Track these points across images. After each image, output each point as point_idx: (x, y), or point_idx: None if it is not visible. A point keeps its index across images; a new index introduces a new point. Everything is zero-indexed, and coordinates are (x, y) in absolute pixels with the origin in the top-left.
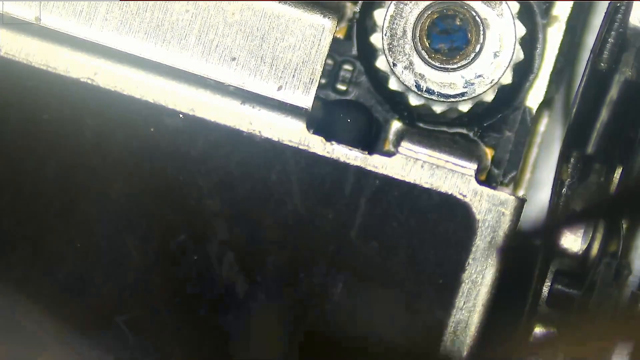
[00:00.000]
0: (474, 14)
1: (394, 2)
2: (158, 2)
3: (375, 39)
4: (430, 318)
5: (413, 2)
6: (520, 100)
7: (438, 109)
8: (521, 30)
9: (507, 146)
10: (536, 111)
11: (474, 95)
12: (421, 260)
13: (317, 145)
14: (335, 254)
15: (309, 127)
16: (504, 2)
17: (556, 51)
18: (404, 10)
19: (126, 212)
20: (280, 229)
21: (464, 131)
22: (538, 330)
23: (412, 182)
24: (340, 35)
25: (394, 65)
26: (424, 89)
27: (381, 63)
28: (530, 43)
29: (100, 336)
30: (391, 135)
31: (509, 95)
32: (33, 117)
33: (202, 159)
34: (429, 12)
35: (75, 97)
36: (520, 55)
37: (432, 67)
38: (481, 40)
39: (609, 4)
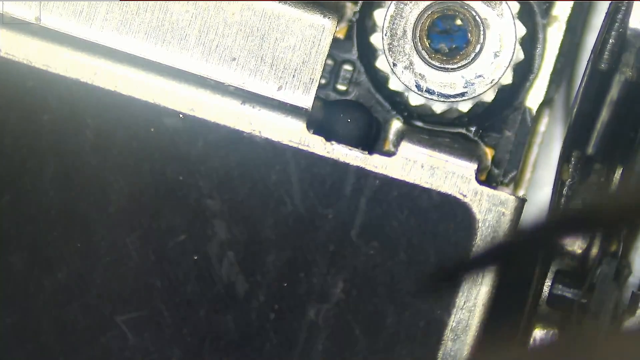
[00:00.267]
0: (474, 14)
1: (394, 2)
2: (158, 2)
3: (375, 39)
4: (430, 318)
5: (413, 2)
6: (521, 100)
7: (438, 109)
8: (521, 30)
9: (508, 146)
10: (536, 111)
11: (474, 95)
12: (421, 260)
13: (317, 145)
14: (335, 254)
15: (309, 127)
16: (504, 2)
17: (556, 51)
18: (404, 10)
19: (126, 212)
20: (280, 229)
21: (464, 131)
22: (538, 330)
23: (412, 182)
24: (340, 35)
25: (394, 65)
26: (424, 89)
27: (381, 63)
28: (530, 43)
29: (100, 336)
30: (391, 135)
31: (509, 95)
32: (33, 117)
33: (202, 159)
34: (429, 12)
35: (75, 97)
36: (520, 55)
37: (432, 67)
38: (481, 40)
39: (609, 4)
